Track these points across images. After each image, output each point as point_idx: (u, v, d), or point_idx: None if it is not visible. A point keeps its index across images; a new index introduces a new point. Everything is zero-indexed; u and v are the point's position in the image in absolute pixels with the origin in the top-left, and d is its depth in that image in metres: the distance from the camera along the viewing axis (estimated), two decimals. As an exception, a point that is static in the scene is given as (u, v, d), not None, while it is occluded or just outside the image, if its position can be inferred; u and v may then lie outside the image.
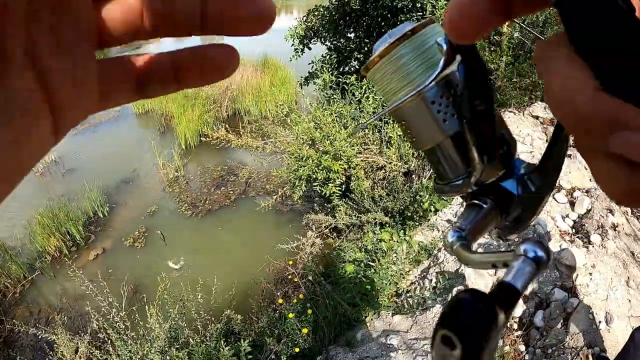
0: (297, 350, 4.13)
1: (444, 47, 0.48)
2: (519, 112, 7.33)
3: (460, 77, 0.50)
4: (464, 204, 0.61)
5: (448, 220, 5.49)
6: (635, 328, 2.86)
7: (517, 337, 3.74)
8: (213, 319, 4.66)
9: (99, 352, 4.29)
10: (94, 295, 4.22)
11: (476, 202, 0.57)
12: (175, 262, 6.86)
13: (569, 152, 5.88)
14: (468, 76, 0.49)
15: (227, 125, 7.93)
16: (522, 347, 3.65)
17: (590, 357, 3.33)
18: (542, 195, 0.55)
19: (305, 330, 4.18)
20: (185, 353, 3.98)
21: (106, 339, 4.27)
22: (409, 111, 0.56)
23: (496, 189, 0.55)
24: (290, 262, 5.75)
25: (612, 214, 4.95)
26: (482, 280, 4.05)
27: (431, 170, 6.28)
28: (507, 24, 7.44)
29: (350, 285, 4.95)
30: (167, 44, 28.93)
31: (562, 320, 3.74)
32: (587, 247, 4.33)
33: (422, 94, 0.52)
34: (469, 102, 0.49)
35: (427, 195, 5.89)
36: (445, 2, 7.39)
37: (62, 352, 4.69)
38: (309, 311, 4.57)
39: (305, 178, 6.14)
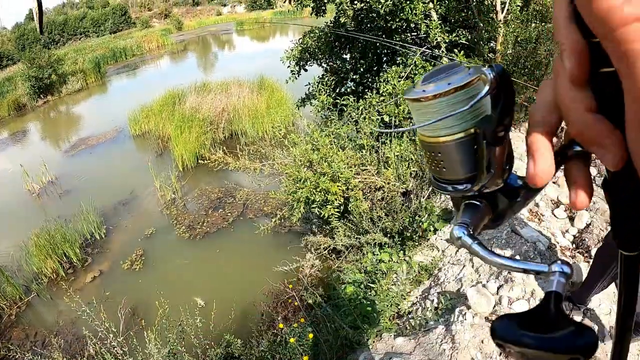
0: (299, 375, 4.10)
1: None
2: (515, 128, 7.36)
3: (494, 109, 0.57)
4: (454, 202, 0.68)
5: (448, 240, 5.48)
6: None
7: (522, 358, 3.70)
8: (212, 343, 4.62)
9: None
10: (91, 321, 4.18)
11: (474, 202, 0.64)
12: (202, 298, 6.79)
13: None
14: (502, 110, 0.56)
15: (224, 147, 7.95)
16: (527, 367, 3.62)
17: None
18: (527, 202, 0.65)
19: (306, 358, 4.14)
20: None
21: (103, 364, 4.23)
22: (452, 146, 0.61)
23: (492, 195, 0.63)
24: (290, 285, 5.72)
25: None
26: (484, 300, 4.02)
27: (430, 190, 6.31)
28: (500, 41, 7.55)
29: (351, 307, 4.92)
30: (165, 63, 29.06)
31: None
32: (588, 262, 4.32)
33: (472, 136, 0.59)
34: (494, 129, 0.56)
35: (426, 215, 5.88)
36: (439, 22, 7.45)
37: None
38: (310, 335, 4.54)
39: (303, 200, 6.13)
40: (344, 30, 9.28)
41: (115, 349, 4.18)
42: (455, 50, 7.37)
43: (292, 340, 4.45)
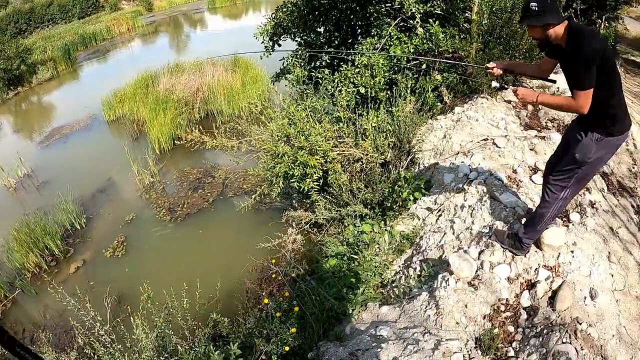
0: (287, 348, 4.07)
1: None
2: (492, 97, 7.37)
3: None
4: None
5: (428, 208, 5.49)
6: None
7: (506, 318, 3.74)
8: (200, 323, 4.59)
9: None
10: (77, 311, 4.12)
11: None
12: (187, 279, 6.74)
13: (542, 134, 5.93)
14: None
15: (200, 127, 7.85)
16: (511, 328, 3.66)
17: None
18: None
19: (293, 330, 4.13)
20: (175, 361, 3.91)
21: (92, 355, 4.17)
22: None
23: None
24: (273, 261, 5.70)
25: (589, 192, 5.00)
26: (466, 265, 4.04)
27: (408, 160, 6.32)
28: (475, 11, 7.51)
29: (335, 279, 4.92)
30: (136, 46, 28.54)
31: (548, 299, 3.75)
32: (567, 226, 4.36)
33: None
34: None
35: (406, 185, 5.88)
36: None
37: None
38: (296, 308, 4.53)
39: (282, 175, 6.09)
40: (317, 3, 9.17)
41: (104, 337, 4.12)
42: (430, 21, 7.31)
43: (278, 314, 4.44)
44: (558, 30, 3.19)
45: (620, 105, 3.21)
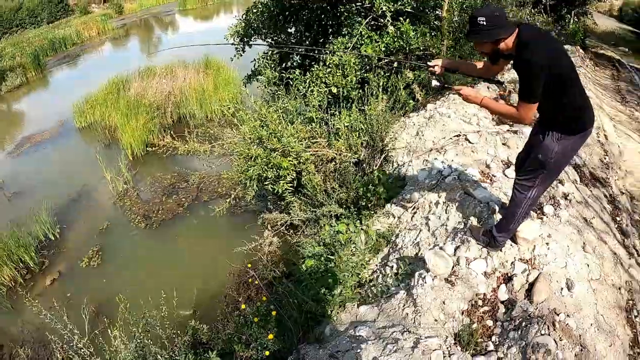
0: (267, 353, 4.04)
1: None
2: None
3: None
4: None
5: (403, 206, 5.49)
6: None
7: (484, 312, 3.74)
8: (179, 332, 4.53)
9: None
10: (54, 324, 4.02)
11: None
12: (165, 285, 6.64)
13: (515, 129, 5.97)
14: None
15: (172, 132, 7.76)
16: (490, 322, 3.66)
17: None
18: None
19: (271, 336, 4.09)
20: (154, 371, 3.84)
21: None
22: None
23: None
24: (249, 265, 5.65)
25: (562, 184, 5.05)
26: (442, 262, 4.04)
27: (382, 158, 6.32)
28: (445, 9, 7.54)
29: (313, 281, 4.88)
30: (107, 50, 28.16)
31: (525, 292, 3.77)
32: (541, 219, 4.39)
33: None
34: None
35: (380, 183, 5.87)
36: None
37: None
38: (273, 313, 4.49)
39: (255, 178, 6.04)
40: (287, 3, 9.12)
41: (82, 350, 4.03)
42: (401, 19, 7.31)
43: (255, 319, 4.39)
44: (508, 42, 3.12)
45: (579, 106, 3.18)
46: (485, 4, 7.52)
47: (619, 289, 4.03)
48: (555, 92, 3.03)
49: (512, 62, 3.27)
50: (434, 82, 3.91)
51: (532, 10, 11.47)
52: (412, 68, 7.49)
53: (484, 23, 3.04)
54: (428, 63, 3.91)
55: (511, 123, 6.50)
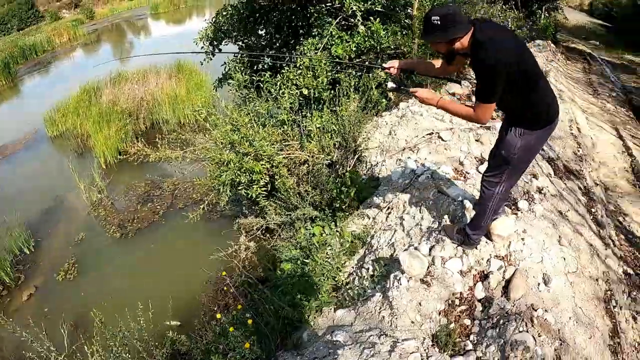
0: (244, 362, 3.97)
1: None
2: (436, 90, 7.40)
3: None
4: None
5: (377, 207, 5.45)
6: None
7: (461, 312, 3.71)
8: (157, 343, 4.44)
9: None
10: (30, 343, 3.91)
11: None
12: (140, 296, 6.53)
13: (488, 124, 5.99)
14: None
15: (144, 139, 7.64)
16: (468, 321, 3.63)
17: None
18: None
19: (247, 345, 4.02)
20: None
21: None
22: None
23: None
24: (224, 273, 5.56)
25: (536, 178, 5.06)
26: (417, 262, 4.00)
27: (355, 159, 6.28)
28: (416, 7, 7.53)
29: (289, 286, 4.81)
30: (79, 56, 27.77)
31: (502, 289, 3.75)
32: (516, 214, 4.39)
33: None
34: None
35: (353, 185, 5.83)
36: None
37: None
38: (249, 321, 4.42)
39: (228, 183, 5.96)
40: (257, 5, 9.05)
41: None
42: (371, 18, 7.28)
43: (231, 329, 4.31)
44: (464, 40, 3.02)
45: (541, 102, 3.14)
46: (447, 2, 7.52)
47: (597, 280, 4.04)
48: (522, 89, 3.00)
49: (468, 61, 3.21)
50: (390, 84, 3.86)
51: (504, 7, 11.54)
52: (368, 70, 7.44)
53: (438, 22, 2.95)
54: (383, 65, 3.88)
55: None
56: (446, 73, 3.74)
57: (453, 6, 3.01)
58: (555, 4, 17.12)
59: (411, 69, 3.90)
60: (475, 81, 3.40)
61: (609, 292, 4.02)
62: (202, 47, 9.44)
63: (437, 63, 3.74)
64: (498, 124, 6.05)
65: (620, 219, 5.53)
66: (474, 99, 3.23)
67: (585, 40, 19.83)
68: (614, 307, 3.89)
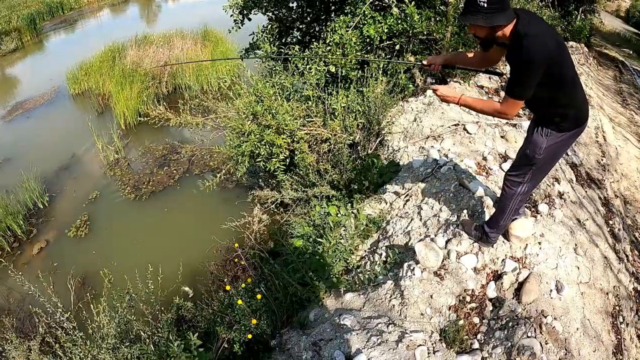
0: (249, 336, 3.94)
1: None
2: (464, 82, 7.28)
3: None
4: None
5: (395, 193, 5.37)
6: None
7: (471, 309, 3.67)
8: (163, 308, 4.43)
9: (50, 356, 3.98)
10: (38, 296, 3.91)
11: None
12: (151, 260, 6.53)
13: (514, 122, 5.88)
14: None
15: (165, 103, 7.59)
16: (477, 320, 3.59)
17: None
18: None
19: (254, 321, 3.99)
20: (137, 349, 3.73)
21: (54, 342, 3.96)
22: None
23: None
24: (236, 245, 5.53)
25: (558, 183, 4.96)
26: (432, 254, 3.94)
27: (377, 142, 6.21)
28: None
29: (300, 263, 4.78)
30: (105, 16, 27.78)
31: (514, 291, 3.70)
32: (535, 217, 4.31)
33: None
34: None
35: (374, 167, 5.76)
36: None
37: (13, 357, 4.37)
38: (259, 296, 4.38)
39: (248, 154, 5.92)
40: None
41: (65, 324, 3.91)
42: (406, 1, 7.13)
43: (239, 302, 4.29)
44: (506, 30, 2.83)
45: (572, 104, 3.02)
46: None
47: (607, 294, 3.99)
48: (554, 89, 2.88)
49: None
50: (429, 80, 3.79)
51: (540, 3, 11.32)
52: (415, 52, 7.32)
53: (484, 5, 2.71)
54: (423, 62, 3.70)
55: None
56: (484, 65, 3.56)
57: None
58: (592, 7, 16.79)
59: (452, 64, 3.69)
60: (506, 76, 3.30)
61: (617, 308, 3.99)
62: (231, 15, 9.32)
63: (470, 54, 3.60)
64: (525, 123, 5.97)
65: (637, 234, 5.46)
66: (502, 93, 3.12)
67: (619, 47, 19.46)
68: (621, 323, 3.86)
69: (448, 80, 3.84)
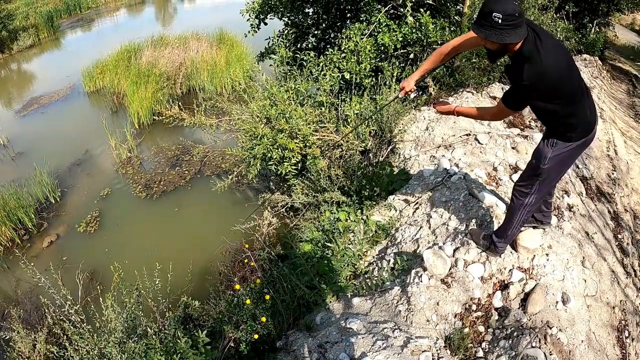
0: (256, 336, 3.99)
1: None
2: (477, 92, 7.30)
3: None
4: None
5: (405, 200, 5.42)
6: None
7: (477, 318, 3.69)
8: (171, 306, 4.48)
9: (56, 348, 4.04)
10: (47, 288, 3.97)
11: None
12: (160, 259, 6.59)
13: (525, 134, 5.89)
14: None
15: (180, 103, 7.68)
16: (482, 328, 3.61)
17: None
18: None
19: (263, 319, 4.04)
20: (144, 344, 3.79)
21: (62, 334, 4.02)
22: None
23: None
24: (247, 246, 5.59)
25: (568, 195, 4.97)
26: (440, 262, 3.98)
27: (389, 150, 6.24)
28: (467, 4, 7.40)
29: (308, 266, 4.83)
30: (122, 16, 27.99)
31: (520, 301, 3.72)
32: (543, 229, 4.32)
33: None
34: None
35: (385, 175, 5.80)
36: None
37: (19, 348, 4.45)
38: (267, 297, 4.44)
39: (260, 157, 5.98)
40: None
41: (73, 316, 3.97)
42: (421, 10, 7.18)
43: (247, 302, 4.34)
44: (515, 46, 2.80)
45: (577, 114, 3.03)
46: None
47: (613, 308, 3.99)
48: (558, 104, 2.92)
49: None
50: (412, 95, 3.88)
51: (555, 16, 11.28)
52: (412, 63, 7.36)
53: (499, 21, 2.59)
54: (399, 93, 3.94)
55: (522, 127, 6.42)
56: (467, 47, 3.52)
57: (519, 4, 2.64)
58: (607, 20, 16.70)
59: (423, 75, 3.80)
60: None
61: (623, 322, 3.97)
62: (247, 19, 9.41)
63: (445, 46, 3.56)
64: (537, 135, 5.99)
65: (646, 249, 5.43)
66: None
67: (633, 61, 19.34)
68: (627, 337, 3.84)
69: (427, 89, 3.89)
